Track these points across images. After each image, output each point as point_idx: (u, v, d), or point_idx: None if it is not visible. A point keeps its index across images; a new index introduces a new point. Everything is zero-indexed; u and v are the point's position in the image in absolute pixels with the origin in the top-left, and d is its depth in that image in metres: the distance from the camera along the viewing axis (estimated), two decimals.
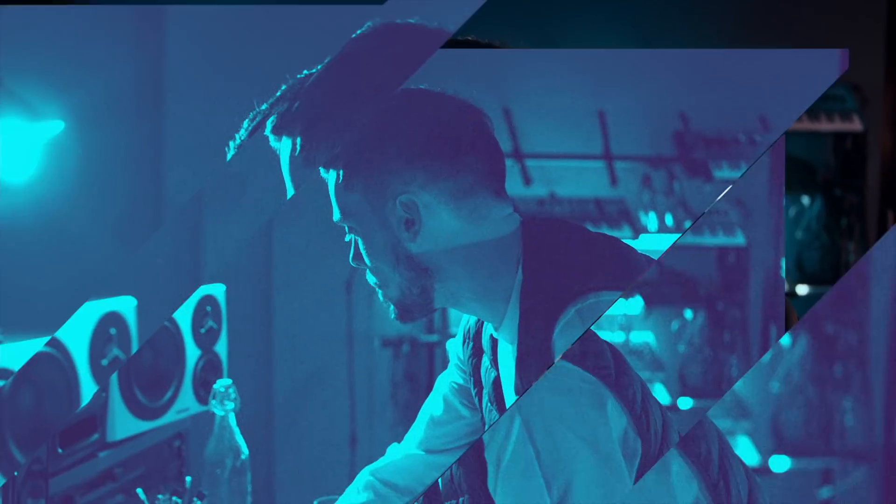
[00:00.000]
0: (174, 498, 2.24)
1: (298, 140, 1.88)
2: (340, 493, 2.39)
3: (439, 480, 1.84)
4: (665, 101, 5.50)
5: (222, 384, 2.43)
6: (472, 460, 1.71)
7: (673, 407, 3.94)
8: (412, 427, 2.24)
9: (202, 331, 2.72)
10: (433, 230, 1.78)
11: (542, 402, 1.63)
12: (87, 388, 2.35)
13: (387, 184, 1.78)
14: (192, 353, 2.74)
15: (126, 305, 2.50)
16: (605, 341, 1.71)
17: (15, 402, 2.15)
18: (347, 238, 1.89)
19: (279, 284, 4.91)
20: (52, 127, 2.51)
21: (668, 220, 5.38)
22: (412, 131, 1.78)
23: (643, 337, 5.60)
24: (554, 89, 5.39)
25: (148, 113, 4.55)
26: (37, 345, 2.36)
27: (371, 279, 1.88)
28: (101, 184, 3.61)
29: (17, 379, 2.16)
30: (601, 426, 1.61)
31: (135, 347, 2.52)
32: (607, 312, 1.74)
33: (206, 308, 2.72)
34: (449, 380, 2.16)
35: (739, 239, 5.20)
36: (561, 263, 1.75)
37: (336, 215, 1.86)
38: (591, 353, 1.67)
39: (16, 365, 2.25)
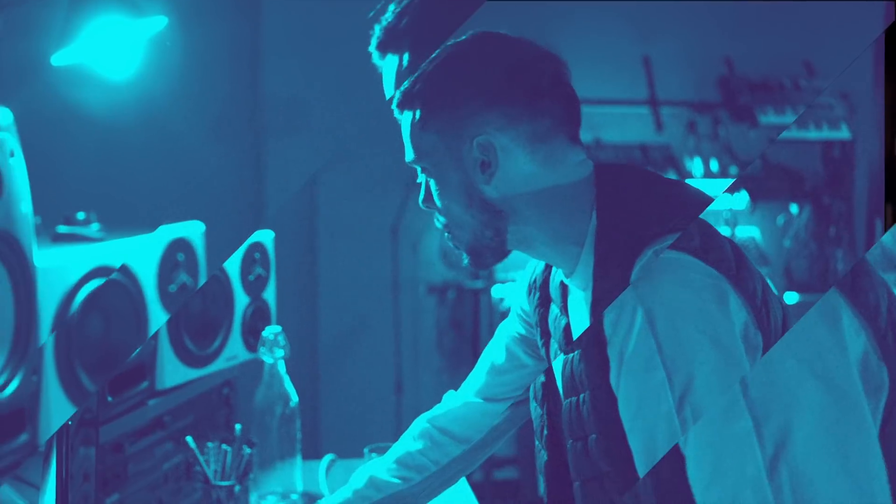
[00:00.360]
0: (224, 446, 2.24)
1: (406, 55, 1.86)
2: (387, 440, 2.39)
3: (560, 379, 1.83)
4: (710, 46, 5.48)
5: (271, 331, 2.42)
6: (595, 357, 1.70)
7: None
8: (471, 375, 2.22)
9: (251, 278, 2.71)
10: (508, 173, 1.76)
11: (664, 296, 1.61)
12: (155, 315, 2.35)
13: (464, 125, 1.76)
14: (241, 300, 2.71)
15: (194, 231, 2.48)
16: (724, 236, 1.71)
17: (83, 329, 2.16)
18: (419, 180, 1.87)
19: (324, 231, 4.92)
20: (155, 23, 2.49)
21: (714, 165, 5.36)
22: (492, 74, 1.76)
23: (749, 232, 5.75)
24: (599, 35, 5.38)
25: (247, 8, 4.56)
26: (136, 242, 2.35)
27: (440, 222, 1.86)
28: (202, 81, 3.60)
29: (85, 305, 2.17)
30: (723, 321, 1.59)
31: (202, 274, 2.51)
32: (713, 208, 1.73)
33: (255, 255, 2.71)
34: (511, 329, 2.14)
35: (844, 133, 5.20)
36: (636, 207, 1.73)
37: (409, 155, 1.84)
38: (712, 248, 1.65)
39: (116, 262, 2.25)
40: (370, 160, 4.66)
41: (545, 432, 1.93)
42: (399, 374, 4.99)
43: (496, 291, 5.01)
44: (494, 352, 2.15)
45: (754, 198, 5.14)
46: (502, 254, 1.84)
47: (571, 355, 1.76)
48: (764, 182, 5.21)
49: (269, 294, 2.81)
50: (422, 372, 5.11)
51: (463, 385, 2.20)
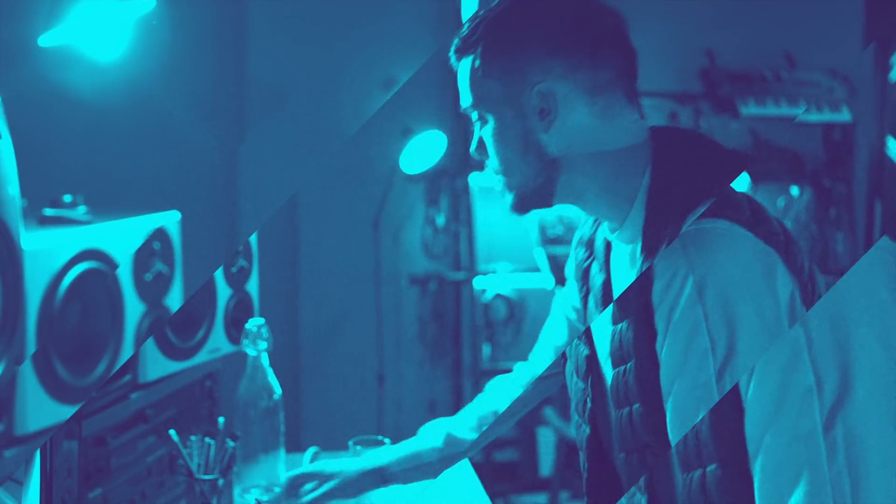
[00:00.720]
0: (207, 439, 2.24)
1: None
2: (369, 432, 2.39)
3: (609, 348, 1.85)
4: (691, 37, 5.47)
5: (254, 324, 2.42)
6: (643, 325, 1.72)
7: None
8: (533, 355, 2.28)
9: (233, 270, 2.70)
10: (566, 122, 1.77)
11: (715, 267, 1.64)
12: (131, 303, 2.34)
13: (526, 71, 1.77)
14: (224, 292, 2.71)
15: (169, 220, 2.47)
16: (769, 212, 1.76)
17: (60, 318, 2.15)
18: (474, 128, 1.88)
19: (305, 223, 4.91)
20: (143, 4, 2.48)
21: None
22: (555, 22, 1.78)
23: None
24: None
25: None
26: (124, 225, 2.35)
27: (494, 169, 1.87)
28: (189, 63, 3.59)
29: (65, 295, 2.16)
30: (768, 296, 1.62)
31: (178, 262, 2.50)
32: None
33: (238, 247, 2.70)
34: (568, 301, 2.17)
35: (845, 115, 5.21)
36: (691, 166, 1.75)
37: (466, 101, 1.84)
38: (761, 220, 1.68)
39: (104, 245, 2.25)
40: (351, 152, 4.65)
41: (588, 405, 1.94)
42: (381, 365, 4.98)
43: (478, 283, 5.01)
44: (555, 333, 2.19)
45: (755, 180, 5.14)
46: (546, 204, 1.85)
47: (620, 325, 1.78)
48: (765, 164, 5.21)
49: (252, 286, 2.80)
50: (404, 363, 5.10)
51: (529, 362, 2.25)
